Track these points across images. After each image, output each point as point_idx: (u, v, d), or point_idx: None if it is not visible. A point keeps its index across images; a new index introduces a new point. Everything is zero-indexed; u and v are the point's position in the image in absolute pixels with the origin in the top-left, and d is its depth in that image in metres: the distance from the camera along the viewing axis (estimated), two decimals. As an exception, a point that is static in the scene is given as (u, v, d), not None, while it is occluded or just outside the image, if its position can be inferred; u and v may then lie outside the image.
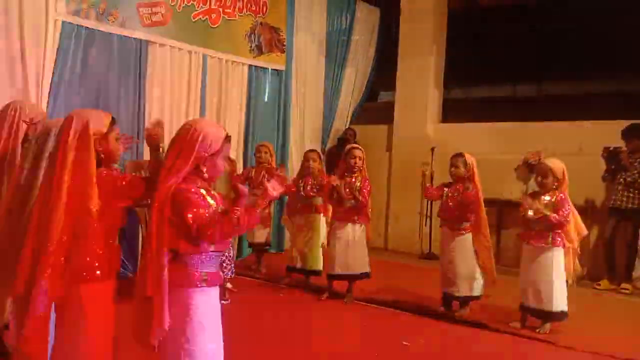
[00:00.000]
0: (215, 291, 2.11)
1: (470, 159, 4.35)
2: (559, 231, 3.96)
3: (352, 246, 4.67)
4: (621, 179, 5.46)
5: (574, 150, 6.06)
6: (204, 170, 2.04)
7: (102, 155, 2.11)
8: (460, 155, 4.39)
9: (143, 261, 2.01)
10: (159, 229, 1.95)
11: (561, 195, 3.94)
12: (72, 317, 2.08)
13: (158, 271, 1.95)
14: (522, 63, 8.46)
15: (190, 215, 1.94)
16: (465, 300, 4.38)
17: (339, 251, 4.69)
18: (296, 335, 3.87)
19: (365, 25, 7.93)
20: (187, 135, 2.01)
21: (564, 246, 4.00)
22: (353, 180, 4.64)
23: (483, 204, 4.34)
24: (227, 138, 2.11)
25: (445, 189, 4.43)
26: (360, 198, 4.57)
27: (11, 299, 2.16)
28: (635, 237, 5.58)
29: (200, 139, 2.00)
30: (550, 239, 3.95)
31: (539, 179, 4.02)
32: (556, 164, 4.03)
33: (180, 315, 2.00)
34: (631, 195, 5.50)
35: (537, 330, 3.98)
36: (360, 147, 4.82)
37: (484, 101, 8.97)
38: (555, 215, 3.85)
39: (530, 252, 4.06)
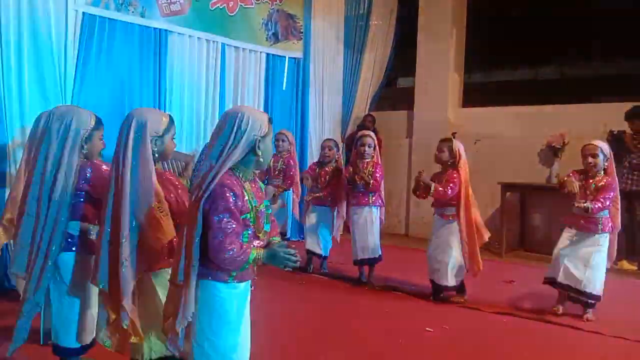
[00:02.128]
0: (244, 285, 2.08)
1: (457, 145, 4.22)
2: (607, 216, 3.86)
3: (370, 230, 4.73)
4: (626, 162, 5.35)
5: (598, 132, 5.93)
6: (259, 154, 2.01)
7: (157, 155, 2.28)
8: (448, 140, 4.28)
9: (178, 249, 2.02)
10: (195, 218, 1.92)
11: (608, 179, 3.83)
12: (146, 302, 2.26)
13: (189, 263, 1.94)
14: (543, 45, 8.30)
15: (216, 219, 1.90)
16: (447, 289, 4.29)
17: (359, 236, 4.76)
18: (318, 322, 3.88)
19: (383, 9, 7.82)
20: (235, 121, 1.96)
21: (612, 230, 3.90)
22: (365, 165, 4.68)
23: (469, 192, 4.17)
24: (270, 119, 2.10)
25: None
26: (372, 181, 4.59)
27: None
28: None
29: (250, 122, 1.97)
30: (600, 225, 3.86)
31: (589, 160, 3.85)
32: (602, 143, 3.92)
33: (207, 306, 2.00)
34: (636, 177, 5.46)
35: (585, 318, 3.90)
36: (371, 134, 4.80)
37: (505, 84, 8.84)
38: (596, 206, 3.74)
39: (577, 236, 3.95)
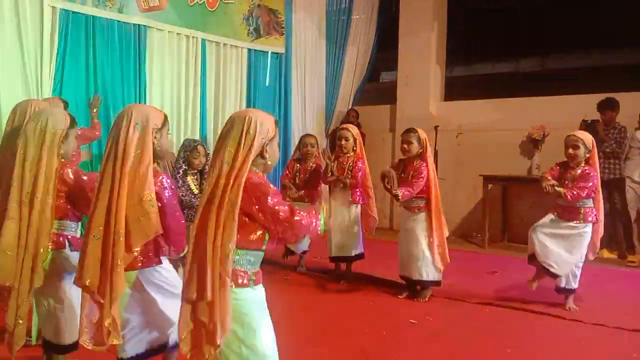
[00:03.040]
0: (261, 287, 2.06)
1: (423, 134, 4.15)
2: (591, 206, 3.86)
3: (347, 228, 4.61)
4: (600, 152, 5.46)
5: (577, 124, 6.01)
6: (267, 157, 2.00)
7: (157, 149, 2.27)
8: (413, 130, 4.17)
9: (200, 262, 1.88)
10: (225, 224, 1.86)
11: (586, 168, 3.83)
12: (137, 299, 2.25)
13: (223, 269, 1.86)
14: (524, 38, 8.38)
15: (276, 200, 1.90)
16: (424, 285, 4.18)
17: (336, 233, 4.64)
18: (300, 318, 3.88)
19: (365, 3, 7.82)
20: (244, 125, 1.94)
21: (595, 222, 3.89)
22: (345, 160, 4.58)
23: (436, 181, 4.15)
24: (277, 122, 2.10)
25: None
26: (349, 180, 4.49)
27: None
28: (624, 206, 5.64)
29: (258, 125, 1.96)
30: (581, 215, 3.85)
31: (570, 150, 3.85)
32: (585, 134, 3.92)
33: (236, 313, 1.95)
34: (611, 166, 5.59)
35: (568, 308, 3.93)
36: (348, 127, 4.71)
37: (486, 77, 8.90)
38: (570, 192, 3.73)
39: (558, 223, 3.93)
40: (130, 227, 2.17)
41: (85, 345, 2.27)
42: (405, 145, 4.14)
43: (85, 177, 2.60)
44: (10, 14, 4.17)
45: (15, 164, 2.56)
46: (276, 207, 1.90)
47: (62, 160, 2.59)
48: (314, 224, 2.00)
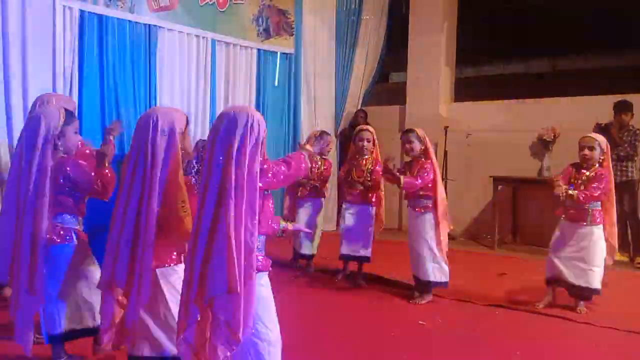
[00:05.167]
0: (264, 276, 2.09)
1: (421, 132, 4.13)
2: (599, 208, 3.85)
3: (363, 229, 4.61)
4: (614, 155, 5.43)
5: (589, 125, 5.96)
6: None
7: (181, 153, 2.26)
8: (411, 130, 4.17)
9: (229, 255, 1.87)
10: (245, 222, 1.90)
11: (600, 170, 3.81)
12: (157, 300, 2.25)
13: (249, 266, 1.89)
14: (534, 39, 8.34)
15: (274, 169, 2.09)
16: (426, 286, 4.16)
17: (349, 234, 4.64)
18: (309, 319, 3.88)
19: (374, 4, 7.80)
20: (247, 121, 1.94)
21: (604, 224, 3.87)
22: (364, 162, 4.59)
23: (441, 181, 4.15)
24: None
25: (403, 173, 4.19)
26: (370, 183, 4.50)
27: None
28: (633, 209, 5.62)
29: (260, 123, 1.98)
30: (590, 217, 3.84)
31: (585, 152, 3.82)
32: (600, 137, 3.91)
33: (262, 299, 2.04)
34: (624, 168, 5.59)
35: (579, 310, 3.91)
36: (369, 129, 4.72)
37: (496, 78, 8.86)
38: (583, 194, 3.72)
39: (568, 228, 3.93)
40: (168, 231, 2.19)
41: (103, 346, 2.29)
42: (407, 145, 4.15)
43: (84, 162, 2.67)
44: (25, 13, 4.18)
45: (13, 164, 2.62)
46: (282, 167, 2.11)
47: (64, 155, 2.62)
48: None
